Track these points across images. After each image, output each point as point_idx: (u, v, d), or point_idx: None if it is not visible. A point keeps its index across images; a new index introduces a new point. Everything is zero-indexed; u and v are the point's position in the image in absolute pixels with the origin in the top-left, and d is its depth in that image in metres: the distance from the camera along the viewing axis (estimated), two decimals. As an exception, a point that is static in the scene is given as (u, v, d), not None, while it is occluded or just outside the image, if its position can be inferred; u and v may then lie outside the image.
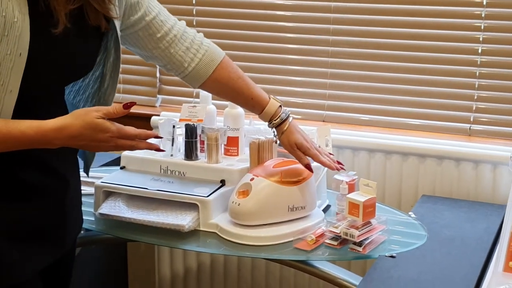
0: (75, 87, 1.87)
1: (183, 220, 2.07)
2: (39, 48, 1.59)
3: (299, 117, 2.81)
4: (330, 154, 2.15)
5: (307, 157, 2.08)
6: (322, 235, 2.05)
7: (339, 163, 2.13)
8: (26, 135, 1.58)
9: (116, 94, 3.03)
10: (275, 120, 2.07)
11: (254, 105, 2.08)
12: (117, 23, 1.79)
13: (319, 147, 2.16)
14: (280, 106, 2.09)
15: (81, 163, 1.98)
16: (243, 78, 2.06)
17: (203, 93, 2.41)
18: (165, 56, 1.97)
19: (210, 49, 2.01)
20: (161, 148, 1.82)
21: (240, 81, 2.05)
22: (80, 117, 1.62)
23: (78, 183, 1.90)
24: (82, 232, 2.32)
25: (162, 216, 2.10)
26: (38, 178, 1.71)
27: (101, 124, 1.62)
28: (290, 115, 2.10)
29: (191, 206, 2.12)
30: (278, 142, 2.13)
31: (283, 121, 2.07)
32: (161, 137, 1.79)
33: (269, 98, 2.09)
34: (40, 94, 1.67)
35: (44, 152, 1.66)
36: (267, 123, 2.10)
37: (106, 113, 1.64)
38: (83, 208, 2.21)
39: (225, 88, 2.05)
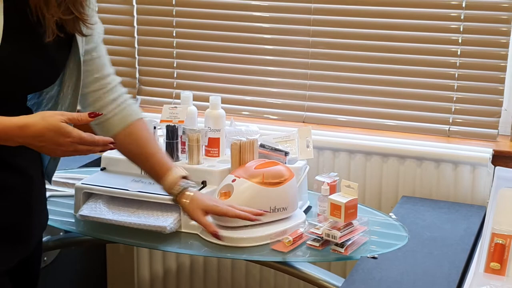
0: (30, 102, 1.84)
1: (165, 221, 2.07)
2: (10, 53, 1.59)
3: (275, 117, 2.82)
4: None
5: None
6: (300, 236, 2.05)
7: (259, 214, 2.03)
8: None
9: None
10: (173, 190, 1.96)
11: (157, 171, 1.97)
12: (81, 45, 1.78)
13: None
14: (184, 177, 1.98)
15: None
16: (153, 143, 2.00)
17: (183, 94, 2.41)
18: (92, 97, 1.92)
19: (130, 107, 1.97)
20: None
21: (149, 144, 1.98)
22: (45, 118, 1.61)
23: (42, 180, 1.89)
24: (61, 234, 2.32)
25: (144, 217, 2.09)
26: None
27: (64, 128, 1.61)
28: (192, 187, 1.99)
29: (172, 207, 2.11)
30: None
31: (181, 191, 1.96)
32: (113, 148, 1.75)
33: (172, 167, 1.98)
34: (6, 98, 1.66)
35: (3, 150, 1.65)
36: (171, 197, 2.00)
37: (71, 118, 1.63)
38: (63, 210, 2.21)
39: (132, 147, 1.98)
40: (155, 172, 1.99)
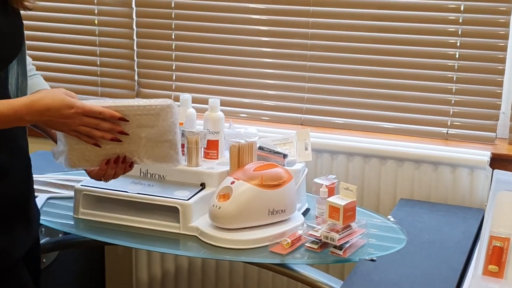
0: None
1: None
2: None
3: (273, 120, 2.82)
4: None
5: None
6: (298, 238, 2.05)
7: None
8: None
9: (94, 97, 3.06)
10: None
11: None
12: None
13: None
14: None
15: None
16: None
17: (182, 96, 2.41)
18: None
19: (38, 79, 1.94)
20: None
21: None
22: (48, 93, 1.69)
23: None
24: (60, 235, 2.32)
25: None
26: (7, 158, 1.71)
27: (67, 99, 1.67)
28: None
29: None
30: None
31: None
32: (127, 120, 1.74)
33: None
34: None
35: (5, 131, 1.67)
36: None
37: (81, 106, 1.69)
38: (62, 212, 2.23)
39: None
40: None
